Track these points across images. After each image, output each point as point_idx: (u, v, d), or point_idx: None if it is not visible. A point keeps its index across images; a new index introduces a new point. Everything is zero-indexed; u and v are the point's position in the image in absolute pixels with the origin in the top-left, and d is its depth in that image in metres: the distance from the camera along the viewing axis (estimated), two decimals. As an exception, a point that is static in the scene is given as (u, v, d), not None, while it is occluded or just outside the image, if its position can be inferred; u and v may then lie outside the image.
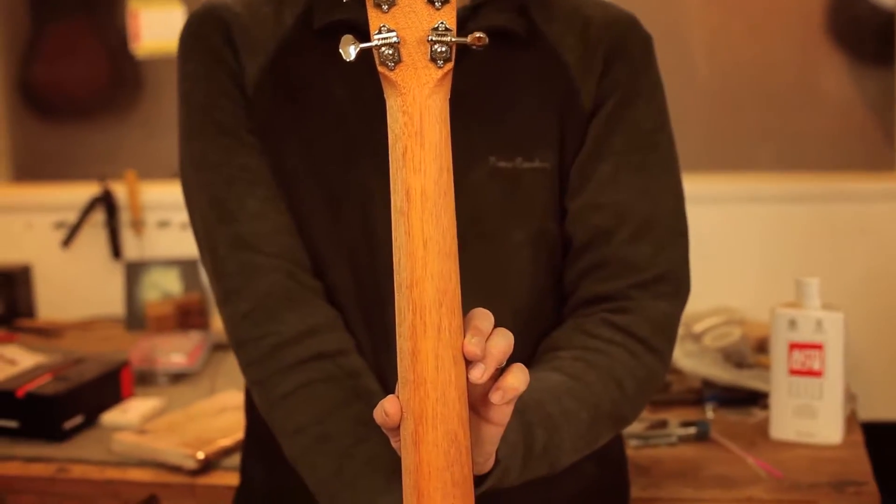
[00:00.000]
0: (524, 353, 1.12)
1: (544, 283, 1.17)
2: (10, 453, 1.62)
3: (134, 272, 2.26)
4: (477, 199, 1.13)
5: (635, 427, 1.57)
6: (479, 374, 0.88)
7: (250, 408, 1.29)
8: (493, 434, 0.94)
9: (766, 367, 1.74)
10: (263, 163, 1.14)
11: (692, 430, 1.58)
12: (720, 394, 1.70)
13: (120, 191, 2.35)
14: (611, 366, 1.13)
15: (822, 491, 1.41)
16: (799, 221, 2.15)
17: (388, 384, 1.11)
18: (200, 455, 1.53)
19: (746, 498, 1.40)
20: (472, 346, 0.87)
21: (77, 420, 1.68)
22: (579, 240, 1.16)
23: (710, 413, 1.65)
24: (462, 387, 0.89)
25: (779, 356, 1.54)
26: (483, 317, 0.90)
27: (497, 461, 1.01)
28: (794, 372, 1.54)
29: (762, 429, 1.60)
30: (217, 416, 1.67)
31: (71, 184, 2.43)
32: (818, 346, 1.52)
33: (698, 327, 1.86)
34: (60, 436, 1.65)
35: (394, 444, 0.96)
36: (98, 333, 2.24)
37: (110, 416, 1.71)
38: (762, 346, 1.88)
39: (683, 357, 1.76)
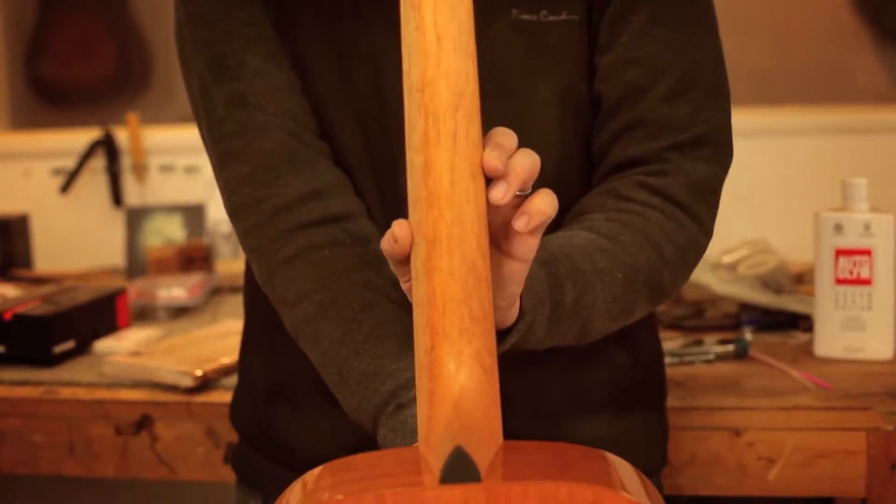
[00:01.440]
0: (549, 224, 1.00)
1: (572, 146, 1.06)
2: (-4, 377, 1.51)
3: (135, 218, 2.15)
4: (498, 54, 1.02)
5: (669, 344, 1.45)
6: (501, 194, 0.77)
7: (249, 296, 1.18)
8: (516, 272, 0.83)
9: (807, 294, 1.62)
10: (266, 19, 1.04)
11: (730, 348, 1.45)
12: (758, 317, 1.58)
13: (121, 136, 2.25)
14: (647, 228, 1.01)
15: (876, 398, 1.28)
16: (839, 155, 2.04)
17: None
18: (198, 372, 1.42)
19: (793, 406, 1.28)
20: (493, 158, 0.76)
21: (68, 345, 1.57)
22: (611, 98, 1.05)
23: (748, 336, 1.52)
24: (481, 207, 0.78)
25: (824, 265, 1.42)
26: (504, 133, 0.79)
27: (521, 313, 0.90)
28: (840, 281, 1.42)
29: (806, 348, 1.48)
30: (218, 340, 1.56)
31: (70, 130, 2.34)
32: (867, 252, 1.40)
33: (730, 258, 1.74)
34: (50, 360, 1.54)
35: (404, 286, 0.84)
36: (97, 283, 2.13)
37: (104, 344, 1.60)
38: (800, 280, 1.76)
39: (718, 283, 1.64)
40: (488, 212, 0.79)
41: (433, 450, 0.79)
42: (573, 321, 0.94)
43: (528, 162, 0.78)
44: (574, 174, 1.07)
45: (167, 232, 2.14)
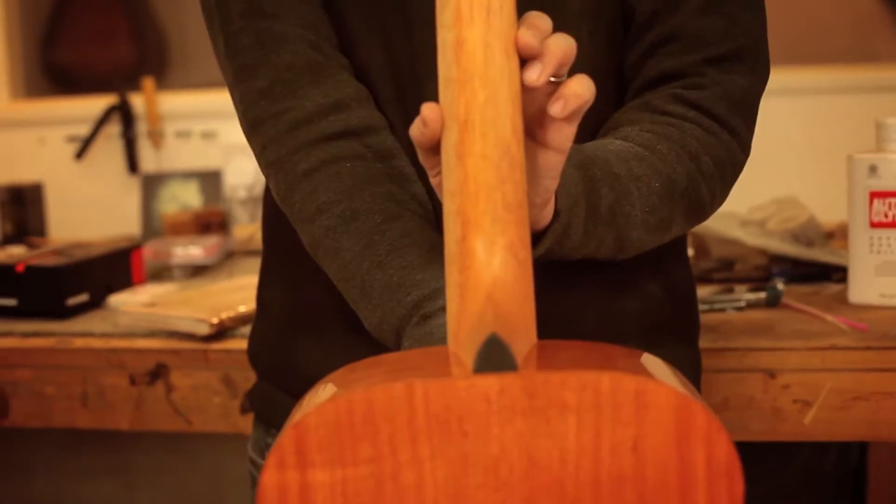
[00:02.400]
0: (582, 143, 0.96)
1: (604, 63, 1.02)
2: (8, 329, 1.47)
3: (151, 185, 2.12)
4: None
5: (699, 291, 1.41)
6: (536, 75, 0.73)
7: (267, 225, 1.14)
8: (552, 163, 0.79)
9: (839, 248, 1.58)
10: None
11: (762, 295, 1.41)
12: (790, 269, 1.54)
13: (137, 102, 2.21)
14: (684, 139, 0.97)
15: (917, 338, 1.24)
16: (869, 114, 1.99)
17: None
18: (214, 320, 1.38)
19: (829, 346, 1.24)
20: (528, 36, 0.73)
21: (81, 298, 1.53)
22: (644, 12, 1.01)
23: (780, 286, 1.48)
24: (515, 87, 0.75)
25: (858, 208, 1.38)
26: (539, 16, 0.75)
27: (556, 214, 0.86)
28: (875, 225, 1.37)
29: (840, 297, 1.43)
30: (236, 291, 1.52)
31: (86, 97, 2.30)
32: (903, 194, 1.36)
33: (759, 214, 1.69)
34: (63, 313, 1.50)
35: (433, 181, 0.81)
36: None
37: (118, 298, 1.56)
38: (830, 238, 1.72)
39: (747, 236, 1.60)
40: (522, 98, 0.75)
41: (464, 345, 0.75)
42: (609, 228, 0.90)
43: (563, 43, 0.75)
44: (606, 92, 1.03)
45: (183, 198, 2.10)
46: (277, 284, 1.12)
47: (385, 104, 1.01)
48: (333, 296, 1.01)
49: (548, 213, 0.84)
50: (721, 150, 0.99)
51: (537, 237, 0.86)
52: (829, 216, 1.78)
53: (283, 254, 1.11)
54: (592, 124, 1.01)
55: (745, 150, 1.02)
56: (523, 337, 0.75)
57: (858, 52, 2.17)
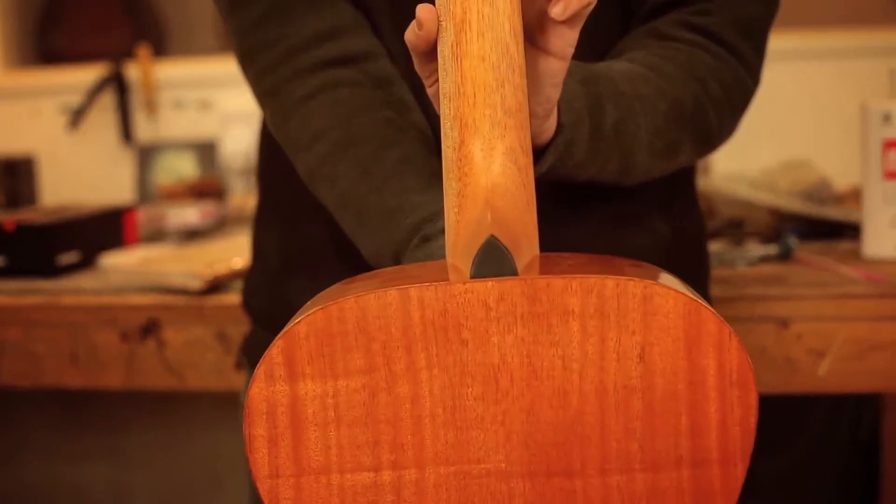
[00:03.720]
0: None
1: None
2: (-3, 288, 1.44)
3: (146, 155, 2.07)
4: None
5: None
6: (535, -27, 0.70)
7: (263, 165, 1.10)
8: (554, 70, 0.75)
9: (852, 208, 1.54)
10: None
11: (773, 249, 1.37)
12: (801, 227, 1.50)
13: (132, 72, 2.17)
14: (691, 63, 0.93)
15: (933, 286, 1.20)
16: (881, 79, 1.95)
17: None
18: (208, 274, 1.34)
19: (841, 294, 1.19)
20: None
21: (72, 257, 1.49)
22: None
23: (792, 241, 1.43)
24: (514, -14, 0.71)
25: (872, 158, 1.34)
26: None
27: (559, 129, 0.82)
28: (890, 175, 1.33)
29: (854, 252, 1.39)
30: (231, 249, 1.48)
31: (80, 66, 2.26)
32: (918, 144, 1.32)
33: (769, 177, 1.65)
34: (53, 271, 1.46)
35: (430, 91, 0.77)
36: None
37: (110, 257, 1.52)
38: (843, 199, 1.67)
39: (757, 196, 1.55)
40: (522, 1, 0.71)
41: (462, 254, 0.71)
42: (614, 147, 0.86)
43: None
44: (611, 21, 0.99)
45: (179, 169, 2.06)
46: (272, 226, 1.08)
47: (383, 34, 0.97)
48: (330, 236, 0.97)
49: (550, 126, 0.80)
50: (729, 76, 0.95)
51: (540, 153, 0.82)
52: (841, 180, 1.74)
53: (277, 194, 1.07)
54: (599, 54, 0.97)
55: (755, 77, 0.98)
56: (524, 246, 0.71)
57: (868, 13, 2.12)
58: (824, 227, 1.49)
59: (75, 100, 2.16)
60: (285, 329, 0.68)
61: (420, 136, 0.92)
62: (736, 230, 1.51)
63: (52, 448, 2.19)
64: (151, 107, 2.15)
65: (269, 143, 1.05)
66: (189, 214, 1.69)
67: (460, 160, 0.71)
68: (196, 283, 1.33)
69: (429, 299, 0.67)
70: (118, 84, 2.13)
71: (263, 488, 0.68)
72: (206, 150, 2.06)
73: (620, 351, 0.67)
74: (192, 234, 1.71)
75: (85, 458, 2.18)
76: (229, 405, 1.50)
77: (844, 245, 1.44)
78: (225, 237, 1.72)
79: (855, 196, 1.63)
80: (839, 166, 1.75)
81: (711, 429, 0.68)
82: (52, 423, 2.18)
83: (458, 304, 0.67)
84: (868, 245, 1.35)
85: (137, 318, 1.34)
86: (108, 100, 2.16)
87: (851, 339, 1.18)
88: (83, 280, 1.45)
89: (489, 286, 0.67)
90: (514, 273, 0.69)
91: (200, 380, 1.34)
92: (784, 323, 1.19)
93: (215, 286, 1.34)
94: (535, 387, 0.67)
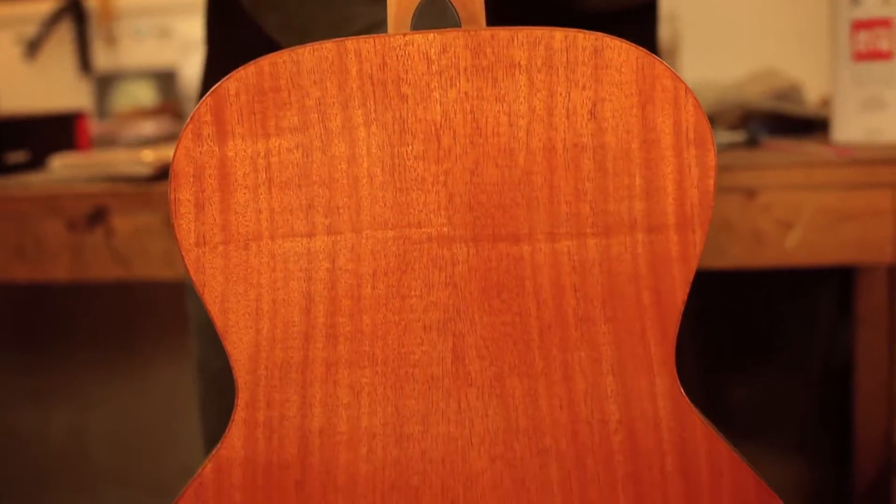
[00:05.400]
0: None
1: None
2: (-61, 185, 1.38)
3: (104, 85, 2.03)
4: None
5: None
6: None
7: (209, 15, 1.06)
8: None
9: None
10: None
11: (741, 136, 1.33)
12: (769, 122, 1.46)
13: (90, 0, 2.12)
14: None
15: (904, 156, 1.16)
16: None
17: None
18: (158, 160, 1.29)
19: (810, 162, 1.16)
20: None
21: (21, 156, 1.44)
22: None
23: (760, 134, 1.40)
24: None
25: (841, 40, 1.30)
26: None
27: None
28: (859, 56, 1.30)
29: (823, 141, 1.35)
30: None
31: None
32: (885, 23, 1.28)
33: (738, 87, 1.61)
34: (1, 169, 1.41)
35: None
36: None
37: (61, 158, 1.47)
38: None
39: (724, 95, 1.52)
40: None
41: (404, 21, 0.67)
42: None
43: None
44: None
45: (138, 98, 2.02)
46: (218, 69, 1.04)
47: None
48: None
49: None
50: None
51: None
52: (813, 90, 1.71)
53: (224, 40, 1.03)
54: None
55: None
56: (469, 14, 0.67)
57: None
58: (794, 125, 1.46)
59: (32, 31, 2.10)
60: (214, 87, 0.63)
61: None
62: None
63: (8, 391, 2.14)
64: (109, 35, 2.10)
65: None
66: (145, 127, 1.65)
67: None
68: (145, 170, 1.28)
69: (367, 52, 0.63)
70: (76, 14, 2.08)
71: (189, 259, 0.64)
72: (165, 79, 2.01)
73: (570, 107, 0.63)
74: (146, 143, 1.67)
75: (43, 400, 2.13)
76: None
77: (815, 137, 1.41)
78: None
79: (825, 105, 1.60)
80: (810, 79, 1.71)
81: (667, 191, 0.64)
82: (8, 363, 2.13)
83: (397, 56, 0.63)
84: (837, 129, 1.31)
85: (84, 207, 1.29)
86: (65, 29, 2.11)
87: (821, 210, 1.15)
88: (31, 179, 1.40)
89: (431, 38, 0.63)
90: (457, 24, 0.65)
91: (149, 269, 1.29)
92: (750, 193, 1.16)
93: (165, 172, 1.30)
94: (479, 145, 0.63)
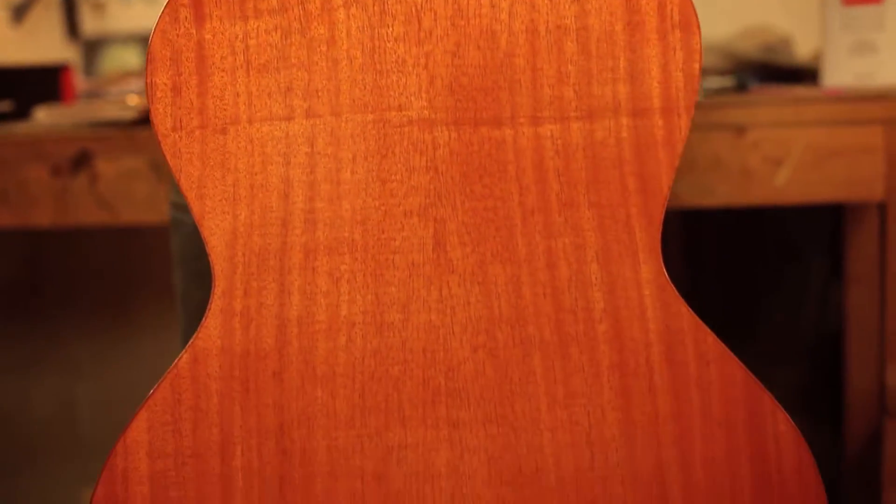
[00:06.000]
0: None
1: None
2: (-78, 133, 1.37)
3: (92, 49, 2.01)
4: None
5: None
6: None
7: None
8: None
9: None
10: None
11: (730, 81, 1.32)
12: (759, 73, 1.45)
13: (77, -33, 2.11)
14: None
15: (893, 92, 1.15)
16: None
17: None
18: (142, 103, 1.28)
19: (799, 98, 1.15)
20: None
21: (5, 106, 1.43)
22: None
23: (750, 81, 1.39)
24: None
25: (831, -16, 1.29)
26: None
27: None
28: (848, 1, 1.29)
29: (813, 86, 1.34)
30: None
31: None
32: (878, -34, 1.27)
33: (728, 43, 1.60)
34: (-16, 117, 1.40)
35: None
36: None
37: (46, 108, 1.46)
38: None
39: (713, 47, 1.51)
40: None
41: None
42: None
43: None
44: None
45: (127, 62, 2.00)
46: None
47: None
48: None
49: None
50: None
51: None
52: (804, 47, 1.70)
53: None
54: None
55: None
56: None
57: None
58: (784, 75, 1.45)
59: (19, -4, 2.09)
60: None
61: None
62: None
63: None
64: (97, 0, 2.08)
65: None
66: (131, 83, 1.63)
67: None
68: (129, 114, 1.27)
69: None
70: (62, -25, 2.06)
71: (166, 145, 0.63)
72: (153, 43, 1.99)
73: (553, -12, 0.62)
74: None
75: (32, 369, 2.11)
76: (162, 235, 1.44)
77: (805, 85, 1.40)
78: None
79: (816, 60, 1.59)
80: (801, 34, 1.70)
81: (652, 74, 0.63)
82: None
83: (376, -64, 0.62)
84: (828, 74, 1.30)
85: (68, 151, 1.28)
86: (52, -4, 2.10)
87: (811, 146, 1.14)
88: (15, 128, 1.39)
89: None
90: None
91: (134, 214, 1.28)
92: (740, 130, 1.15)
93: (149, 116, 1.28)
94: (460, 26, 0.62)
